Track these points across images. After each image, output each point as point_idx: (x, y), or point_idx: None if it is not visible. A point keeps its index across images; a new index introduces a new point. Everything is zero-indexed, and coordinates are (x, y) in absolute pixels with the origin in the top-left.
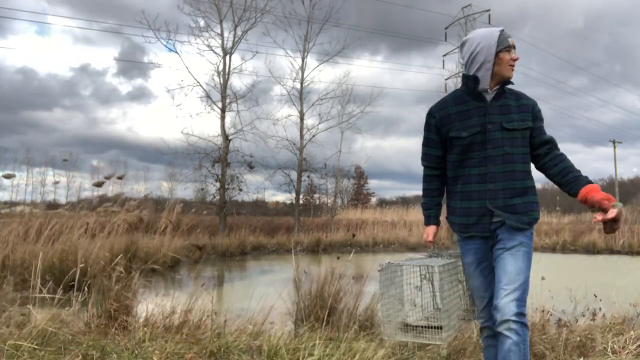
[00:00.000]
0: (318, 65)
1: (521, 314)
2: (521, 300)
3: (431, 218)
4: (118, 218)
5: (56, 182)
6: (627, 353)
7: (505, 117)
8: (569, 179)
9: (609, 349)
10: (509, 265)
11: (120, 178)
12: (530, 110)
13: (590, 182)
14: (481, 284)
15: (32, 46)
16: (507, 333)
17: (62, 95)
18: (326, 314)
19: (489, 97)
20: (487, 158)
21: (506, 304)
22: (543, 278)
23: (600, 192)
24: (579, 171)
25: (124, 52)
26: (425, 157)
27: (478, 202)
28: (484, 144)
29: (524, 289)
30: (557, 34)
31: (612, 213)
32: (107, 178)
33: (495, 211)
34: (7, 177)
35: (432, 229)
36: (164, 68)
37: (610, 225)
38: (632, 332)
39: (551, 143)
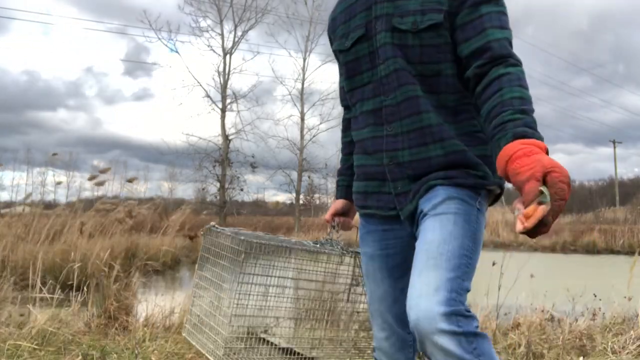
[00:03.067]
0: (320, 66)
1: (454, 315)
2: (452, 290)
3: (339, 188)
4: (117, 217)
5: (58, 183)
6: (627, 353)
7: (398, 9)
8: (492, 126)
9: (609, 349)
10: (429, 233)
11: (130, 181)
12: None
13: (524, 135)
14: (376, 290)
15: (37, 47)
16: (436, 354)
17: (67, 96)
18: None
19: None
20: (380, 81)
21: (429, 307)
22: (532, 275)
23: (534, 159)
24: (518, 106)
25: (129, 53)
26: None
27: (374, 158)
28: (374, 58)
29: (457, 268)
30: (560, 35)
31: (530, 216)
32: (103, 172)
33: (392, 176)
34: None
35: (335, 204)
36: (166, 69)
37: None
38: (632, 332)
39: (488, 55)
